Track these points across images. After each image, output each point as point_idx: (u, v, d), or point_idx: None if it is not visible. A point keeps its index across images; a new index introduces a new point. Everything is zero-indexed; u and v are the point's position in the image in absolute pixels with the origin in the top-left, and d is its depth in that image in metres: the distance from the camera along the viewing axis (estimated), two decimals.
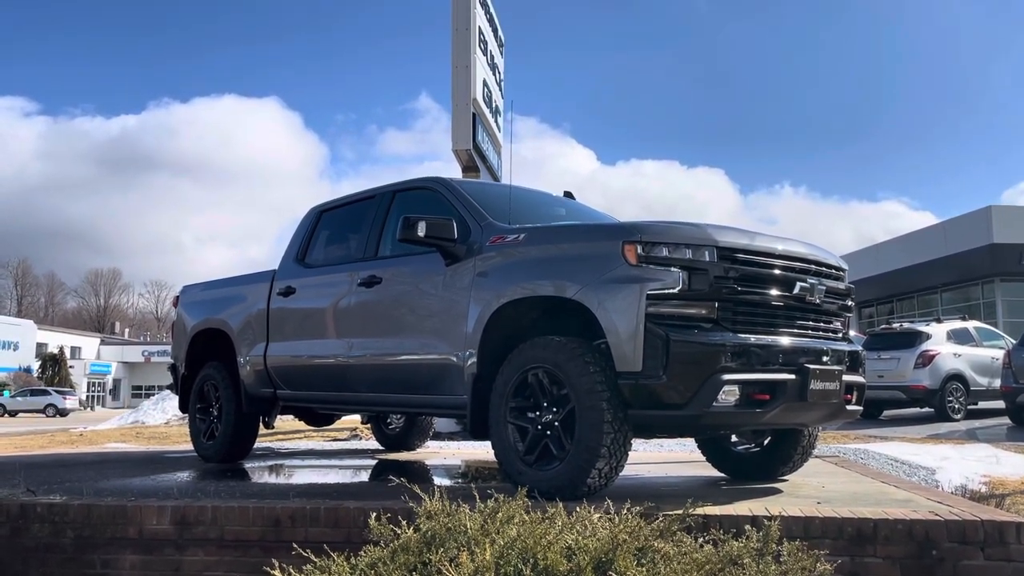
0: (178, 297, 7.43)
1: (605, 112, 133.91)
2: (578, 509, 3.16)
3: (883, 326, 17.91)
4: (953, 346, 14.21)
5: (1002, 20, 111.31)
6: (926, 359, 13.69)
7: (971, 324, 15.49)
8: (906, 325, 15.90)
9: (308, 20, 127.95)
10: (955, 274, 28.56)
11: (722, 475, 5.29)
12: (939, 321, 15.64)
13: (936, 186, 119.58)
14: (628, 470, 4.51)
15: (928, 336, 14.18)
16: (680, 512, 3.27)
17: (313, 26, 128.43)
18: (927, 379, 13.55)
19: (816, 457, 6.20)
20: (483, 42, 12.42)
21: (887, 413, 15.04)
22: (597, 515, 3.10)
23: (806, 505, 3.82)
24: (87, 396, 63.40)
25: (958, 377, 13.80)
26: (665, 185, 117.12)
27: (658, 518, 3.13)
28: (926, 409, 14.09)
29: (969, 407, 14.01)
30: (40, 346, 63.86)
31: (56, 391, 47.29)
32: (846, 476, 5.33)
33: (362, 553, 2.98)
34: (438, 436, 9.78)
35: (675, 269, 3.82)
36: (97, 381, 69.87)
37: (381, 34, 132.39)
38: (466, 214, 4.82)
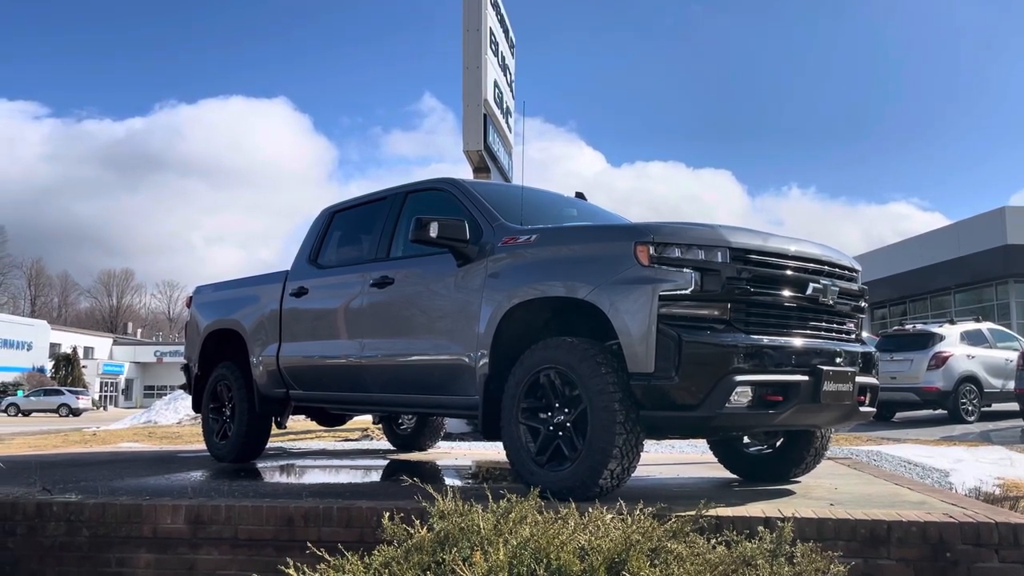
0: (191, 297, 7.47)
1: (610, 113, 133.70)
2: (591, 510, 3.16)
3: (896, 327, 17.81)
4: (966, 348, 14.13)
5: (1011, 17, 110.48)
6: (939, 361, 13.62)
7: (985, 325, 15.39)
8: (919, 326, 15.81)
9: (307, 21, 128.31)
10: (968, 275, 28.37)
11: (734, 476, 5.27)
12: (952, 322, 15.55)
13: (946, 187, 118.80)
14: (640, 471, 4.51)
15: (941, 337, 14.10)
16: (693, 513, 3.27)
17: (311, 27, 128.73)
18: (940, 381, 13.47)
19: (829, 459, 6.17)
20: (494, 43, 12.43)
21: (900, 415, 14.96)
22: (610, 516, 3.10)
23: (819, 506, 3.81)
24: (100, 396, 63.77)
25: (971, 379, 13.72)
26: (671, 187, 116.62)
27: (671, 519, 3.13)
28: (939, 411, 14.01)
29: (983, 409, 13.93)
30: (53, 346, 64.32)
31: (69, 391, 47.54)
32: (859, 478, 5.30)
33: (376, 552, 2.99)
34: (449, 436, 9.80)
35: (687, 270, 3.82)
36: (110, 381, 70.32)
37: (380, 34, 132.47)
38: (478, 215, 4.83)
